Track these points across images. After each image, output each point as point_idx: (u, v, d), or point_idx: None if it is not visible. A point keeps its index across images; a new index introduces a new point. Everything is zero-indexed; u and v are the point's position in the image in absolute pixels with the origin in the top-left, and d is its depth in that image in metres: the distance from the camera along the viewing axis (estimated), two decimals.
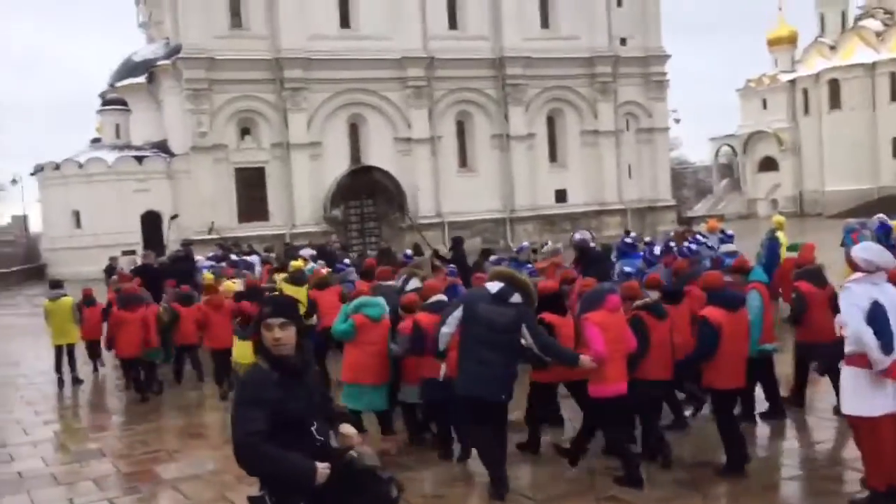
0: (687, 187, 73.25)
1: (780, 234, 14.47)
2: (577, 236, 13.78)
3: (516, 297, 6.27)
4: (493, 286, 6.34)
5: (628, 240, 15.00)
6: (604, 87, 40.29)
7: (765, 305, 7.51)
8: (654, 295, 7.13)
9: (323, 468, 3.37)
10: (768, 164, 60.08)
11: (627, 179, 41.39)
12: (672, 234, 16.49)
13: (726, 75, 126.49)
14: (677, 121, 45.45)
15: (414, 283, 8.29)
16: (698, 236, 15.52)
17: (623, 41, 40.88)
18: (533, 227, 38.45)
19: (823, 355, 7.55)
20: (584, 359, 6.28)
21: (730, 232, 15.73)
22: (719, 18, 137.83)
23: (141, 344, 11.11)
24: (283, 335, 3.51)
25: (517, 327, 6.23)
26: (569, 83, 39.87)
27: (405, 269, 8.99)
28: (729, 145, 65.23)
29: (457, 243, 16.56)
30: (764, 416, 7.90)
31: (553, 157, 40.56)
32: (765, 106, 59.86)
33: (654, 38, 41.62)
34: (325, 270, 12.76)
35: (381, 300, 7.85)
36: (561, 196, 40.21)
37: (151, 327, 11.27)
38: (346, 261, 14.04)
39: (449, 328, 6.41)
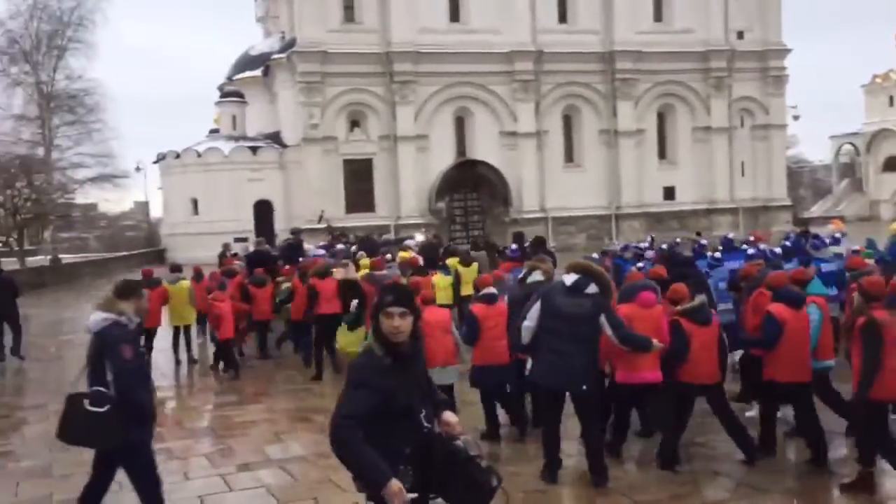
0: (804, 187, 70.17)
1: None
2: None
3: (592, 288, 6.35)
4: (569, 278, 6.43)
5: (704, 241, 15.62)
6: (718, 82, 39.09)
7: (824, 321, 7.24)
8: (698, 299, 7.10)
9: (396, 487, 3.30)
10: (894, 164, 56.88)
11: (740, 178, 40.06)
12: (752, 237, 16.04)
13: (850, 70, 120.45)
14: (796, 118, 43.65)
15: (536, 276, 8.25)
16: (827, 237, 15.08)
17: (740, 34, 39.55)
18: (640, 224, 37.73)
19: None
20: (656, 343, 6.53)
21: (837, 236, 15.08)
22: (844, 11, 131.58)
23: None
24: (401, 324, 3.59)
25: (594, 318, 6.30)
26: (681, 78, 38.89)
27: (529, 262, 8.96)
28: (851, 144, 62.10)
29: (518, 238, 16.67)
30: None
31: (662, 153, 39.68)
32: (892, 103, 56.72)
33: (773, 31, 40.06)
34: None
35: None
36: (669, 193, 39.31)
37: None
38: (388, 255, 14.31)
39: (531, 322, 6.49)
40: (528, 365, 6.86)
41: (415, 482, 3.51)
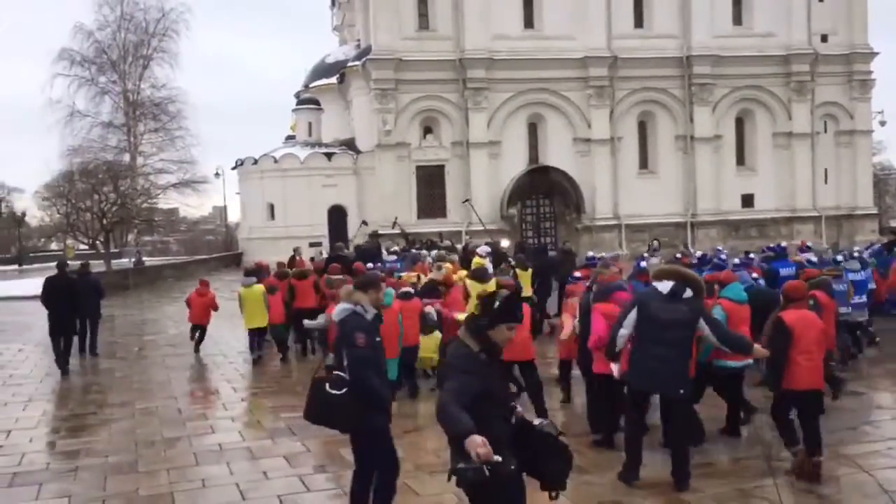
0: (890, 195, 67.59)
1: None
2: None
3: (688, 293, 6.50)
4: (665, 285, 6.55)
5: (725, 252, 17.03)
6: (800, 86, 37.93)
7: (736, 322, 7.79)
8: None
9: (478, 440, 3.55)
10: None
11: (823, 185, 38.72)
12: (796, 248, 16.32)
13: None
14: (883, 123, 41.89)
15: None
16: None
17: (824, 38, 38.27)
18: (716, 232, 36.89)
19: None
20: (758, 347, 6.72)
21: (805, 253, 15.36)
22: None
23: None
24: (512, 336, 4.11)
25: (693, 322, 6.46)
26: (761, 83, 37.83)
27: (595, 269, 9.10)
28: None
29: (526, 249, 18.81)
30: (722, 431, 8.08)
31: (741, 159, 38.66)
32: None
33: (859, 34, 38.65)
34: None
35: (390, 290, 9.91)
36: (748, 201, 38.25)
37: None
38: (386, 259, 15.66)
39: (627, 329, 6.65)
40: (615, 370, 7.12)
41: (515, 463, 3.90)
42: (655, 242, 23.33)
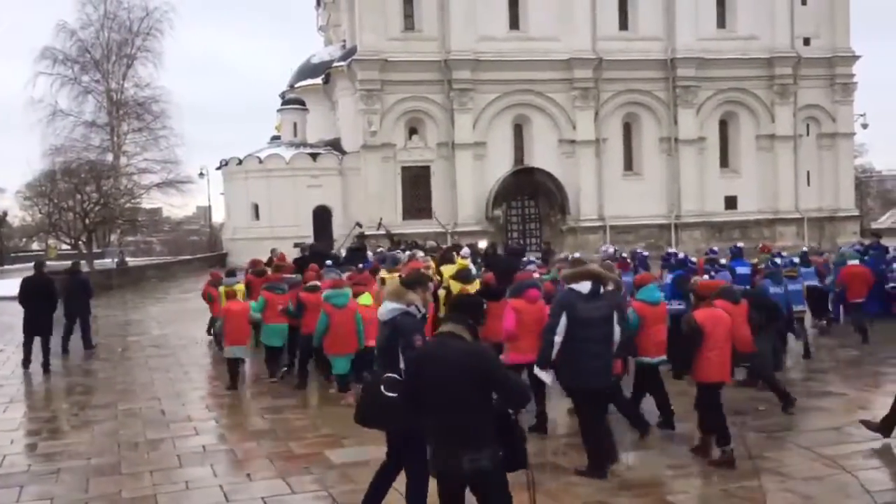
0: (871, 197, 68.19)
1: None
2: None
3: (602, 290, 6.96)
4: (584, 286, 6.84)
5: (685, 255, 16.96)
6: (783, 89, 38.22)
7: (650, 321, 8.30)
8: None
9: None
10: None
11: (805, 187, 39.05)
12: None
13: None
14: (865, 126, 42.27)
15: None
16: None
17: (806, 41, 38.62)
18: (700, 233, 37.13)
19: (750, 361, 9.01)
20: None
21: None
22: None
23: None
24: None
25: (611, 317, 6.87)
26: (745, 85, 38.12)
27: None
28: None
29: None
30: (659, 425, 8.35)
31: (724, 161, 38.92)
32: None
33: (841, 37, 39.02)
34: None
35: (346, 290, 10.28)
36: (731, 203, 38.53)
37: None
38: (329, 262, 15.49)
39: (560, 336, 6.84)
40: (549, 379, 7.27)
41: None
42: (612, 248, 23.58)
